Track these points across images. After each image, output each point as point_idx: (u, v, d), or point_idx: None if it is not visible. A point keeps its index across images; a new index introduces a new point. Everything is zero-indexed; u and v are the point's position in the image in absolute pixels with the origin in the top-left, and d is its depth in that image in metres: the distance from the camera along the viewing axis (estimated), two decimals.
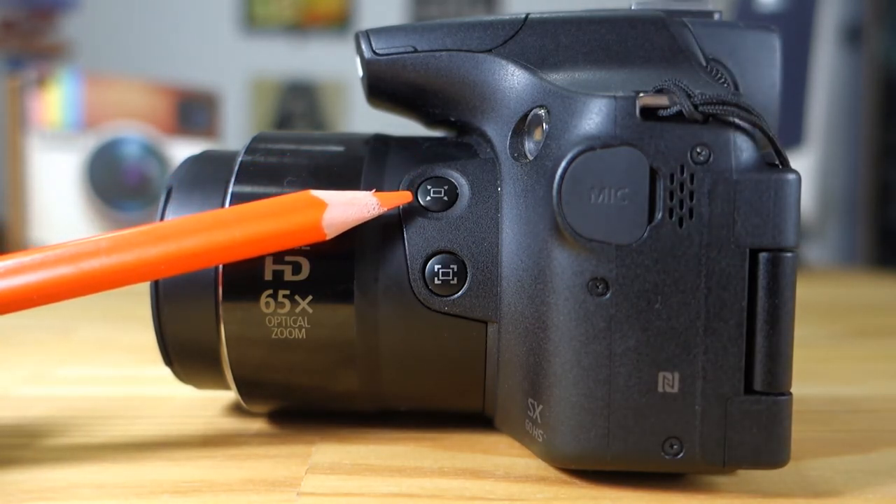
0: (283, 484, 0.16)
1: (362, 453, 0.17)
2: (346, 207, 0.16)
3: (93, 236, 0.16)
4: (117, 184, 0.74)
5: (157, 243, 0.16)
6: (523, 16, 0.18)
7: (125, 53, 1.71)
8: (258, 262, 0.17)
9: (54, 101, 0.71)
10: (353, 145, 0.19)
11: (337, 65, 1.74)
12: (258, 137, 0.19)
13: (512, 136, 0.17)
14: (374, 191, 0.17)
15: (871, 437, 0.20)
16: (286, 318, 0.17)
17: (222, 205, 0.18)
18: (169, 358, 0.18)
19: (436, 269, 0.17)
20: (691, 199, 0.14)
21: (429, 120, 0.20)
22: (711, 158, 0.14)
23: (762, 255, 0.14)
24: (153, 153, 0.75)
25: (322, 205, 0.16)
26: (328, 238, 0.16)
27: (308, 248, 0.17)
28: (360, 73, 0.19)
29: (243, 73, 1.78)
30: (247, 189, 0.18)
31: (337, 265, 0.17)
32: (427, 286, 0.17)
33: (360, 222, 0.17)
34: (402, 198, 0.17)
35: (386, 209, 0.17)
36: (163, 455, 0.17)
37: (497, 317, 0.17)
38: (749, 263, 0.14)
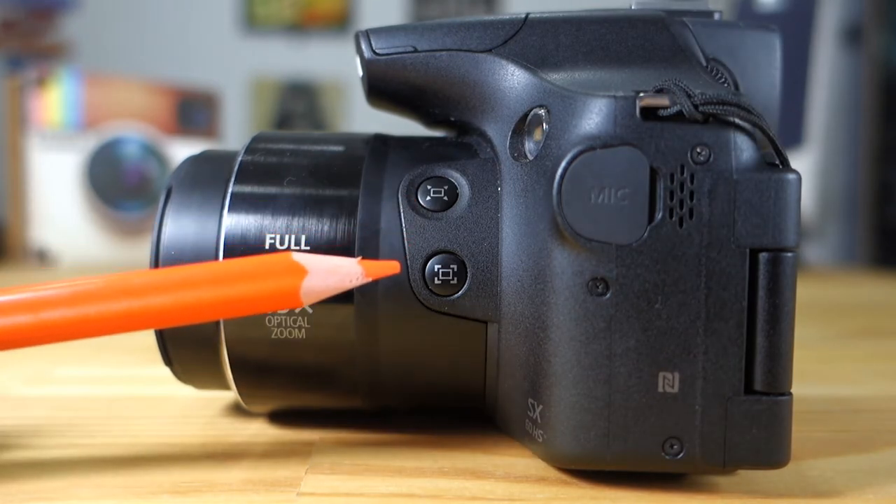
0: (283, 484, 0.16)
1: (362, 453, 0.17)
2: (327, 276, 0.15)
3: (56, 283, 0.15)
4: (117, 184, 0.74)
5: (122, 298, 0.15)
6: (523, 16, 0.18)
7: (125, 53, 1.71)
8: None
9: (54, 101, 0.71)
10: (353, 145, 0.19)
11: (337, 65, 1.74)
12: (258, 137, 0.19)
13: (512, 136, 0.17)
14: (359, 258, 0.16)
15: (871, 437, 0.20)
16: (286, 318, 0.17)
17: (223, 205, 0.18)
18: (169, 358, 0.18)
19: (436, 269, 0.17)
20: (691, 199, 0.14)
21: (429, 120, 0.20)
22: (711, 158, 0.14)
23: (762, 255, 0.14)
24: (153, 153, 0.75)
25: (302, 272, 0.15)
26: (305, 306, 0.16)
27: (308, 247, 0.17)
28: (360, 72, 0.19)
29: (243, 73, 1.78)
30: (247, 189, 0.18)
31: None
32: (427, 286, 0.17)
33: (340, 291, 0.16)
34: (389, 268, 0.16)
35: (370, 279, 0.16)
36: (163, 455, 0.17)
37: (497, 317, 0.17)
38: (749, 263, 0.14)
